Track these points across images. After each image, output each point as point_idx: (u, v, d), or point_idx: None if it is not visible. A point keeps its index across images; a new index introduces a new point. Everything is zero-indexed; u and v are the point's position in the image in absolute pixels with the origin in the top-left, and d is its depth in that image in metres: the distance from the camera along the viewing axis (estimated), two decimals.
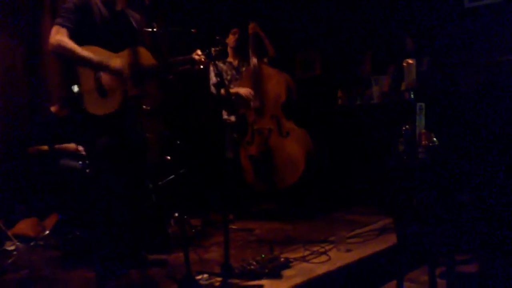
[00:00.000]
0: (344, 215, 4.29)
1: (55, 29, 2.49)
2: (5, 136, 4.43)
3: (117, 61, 2.54)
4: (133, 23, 2.74)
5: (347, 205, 4.63)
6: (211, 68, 4.26)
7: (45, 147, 3.98)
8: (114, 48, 2.59)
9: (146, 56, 2.66)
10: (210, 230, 3.98)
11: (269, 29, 4.60)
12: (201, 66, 2.83)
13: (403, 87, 4.10)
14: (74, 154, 4.00)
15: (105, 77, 2.56)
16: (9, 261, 3.37)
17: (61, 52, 2.46)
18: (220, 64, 4.34)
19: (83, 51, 2.47)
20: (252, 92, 4.26)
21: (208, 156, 4.62)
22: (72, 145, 4.07)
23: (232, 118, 4.31)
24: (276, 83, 4.38)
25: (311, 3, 5.33)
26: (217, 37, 3.03)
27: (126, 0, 2.73)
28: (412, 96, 3.08)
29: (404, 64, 3.04)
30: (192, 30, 2.89)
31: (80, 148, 4.05)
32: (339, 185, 4.82)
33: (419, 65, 3.66)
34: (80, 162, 3.90)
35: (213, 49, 2.86)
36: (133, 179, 2.74)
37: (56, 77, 4.82)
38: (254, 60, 4.36)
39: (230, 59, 4.50)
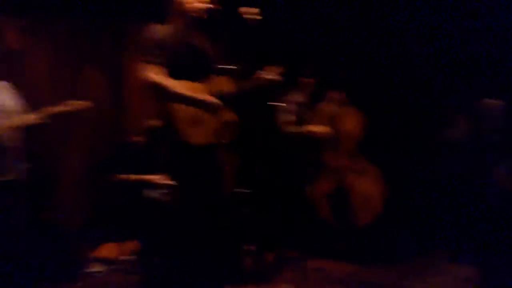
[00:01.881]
0: (427, 261, 4.05)
1: (148, 66, 2.53)
2: (91, 163, 4.76)
3: (210, 98, 2.61)
4: (208, 53, 2.79)
5: (426, 249, 4.39)
6: (285, 106, 4.34)
7: (129, 176, 4.20)
8: (197, 79, 2.66)
9: (224, 83, 2.73)
10: (282, 266, 3.96)
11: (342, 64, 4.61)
12: (267, 83, 2.75)
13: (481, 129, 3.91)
14: (155, 184, 4.20)
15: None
16: (93, 282, 3.57)
17: (157, 89, 2.52)
18: (294, 105, 4.38)
19: (179, 89, 2.53)
20: (328, 131, 4.25)
21: (283, 191, 4.64)
22: (153, 176, 4.26)
23: (307, 155, 4.32)
24: (352, 121, 4.36)
25: (386, 37, 5.27)
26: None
27: (200, 34, 2.79)
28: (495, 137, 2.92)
29: (483, 104, 2.89)
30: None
31: (161, 178, 4.23)
32: (420, 227, 4.59)
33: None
34: (160, 192, 4.08)
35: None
36: (212, 210, 2.79)
37: (139, 108, 5.15)
38: (329, 98, 4.38)
39: (304, 99, 4.53)
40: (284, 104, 4.31)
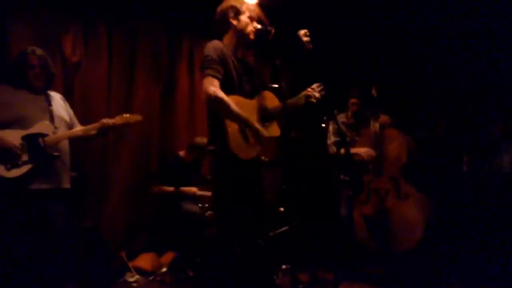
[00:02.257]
0: None
1: (208, 80, 2.55)
2: (134, 172, 4.86)
3: (257, 125, 2.63)
4: (252, 67, 2.88)
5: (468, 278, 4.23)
6: (330, 127, 4.32)
7: (170, 188, 4.26)
8: (247, 95, 2.71)
9: (272, 99, 2.78)
10: (316, 287, 3.90)
11: (388, 86, 4.56)
12: (313, 100, 2.74)
13: None
14: (194, 198, 4.25)
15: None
16: None
17: (216, 103, 2.53)
18: (340, 124, 4.35)
19: (235, 107, 2.56)
20: (373, 154, 4.20)
21: (321, 212, 4.59)
22: (193, 189, 4.32)
23: (347, 176, 4.26)
24: (397, 144, 4.27)
25: (434, 58, 5.17)
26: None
27: (246, 50, 2.89)
28: None
29: None
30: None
31: (200, 193, 4.28)
32: (464, 258, 4.43)
33: None
34: (200, 205, 4.12)
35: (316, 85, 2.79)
36: (251, 227, 2.78)
37: (184, 122, 5.25)
38: (374, 121, 4.32)
39: (350, 120, 4.50)
40: (330, 124, 4.30)
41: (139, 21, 4.97)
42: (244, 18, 2.76)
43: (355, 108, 4.43)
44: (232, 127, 2.59)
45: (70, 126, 3.12)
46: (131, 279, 3.98)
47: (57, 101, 3.11)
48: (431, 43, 5.16)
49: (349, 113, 4.49)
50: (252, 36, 2.74)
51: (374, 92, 4.20)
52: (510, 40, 4.64)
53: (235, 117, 2.56)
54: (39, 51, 3.00)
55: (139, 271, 4.15)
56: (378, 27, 5.16)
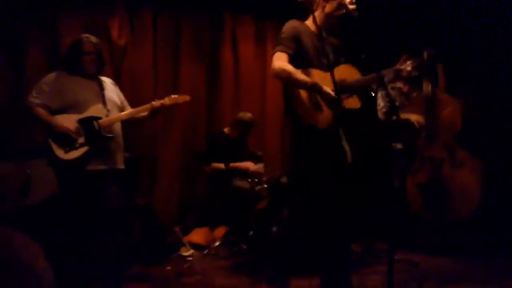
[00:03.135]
0: None
1: (277, 56, 2.69)
2: (183, 151, 4.97)
3: (327, 88, 2.66)
4: (338, 45, 2.93)
5: None
6: (380, 93, 4.20)
7: (221, 166, 4.31)
8: (324, 68, 2.74)
9: (353, 72, 2.81)
10: (370, 259, 3.88)
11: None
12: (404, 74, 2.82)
13: None
14: (245, 174, 4.28)
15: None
16: (185, 266, 3.73)
17: (283, 76, 2.65)
18: (389, 90, 4.23)
19: (301, 75, 2.65)
20: (423, 120, 4.06)
21: (374, 183, 4.51)
22: (248, 164, 4.34)
23: (399, 144, 4.15)
24: (451, 110, 4.10)
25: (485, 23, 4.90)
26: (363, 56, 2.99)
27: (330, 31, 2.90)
28: None
29: None
30: None
31: (253, 168, 4.31)
32: None
33: None
34: (249, 180, 4.16)
35: (410, 61, 2.81)
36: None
37: (230, 100, 5.28)
38: (428, 86, 4.15)
39: (399, 84, 4.36)
40: (379, 94, 4.19)
41: (181, 2, 5.00)
42: (334, 3, 2.77)
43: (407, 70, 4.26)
44: (302, 97, 2.66)
45: (121, 109, 3.21)
46: (186, 253, 4.10)
47: (108, 85, 3.21)
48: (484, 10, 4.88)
49: (402, 78, 4.32)
50: (340, 11, 2.74)
51: (425, 55, 4.03)
52: None
53: (302, 83, 2.64)
54: (93, 38, 3.10)
55: (193, 245, 4.27)
56: None
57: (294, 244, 3.12)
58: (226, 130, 4.61)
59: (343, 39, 2.94)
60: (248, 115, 4.54)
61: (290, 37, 2.73)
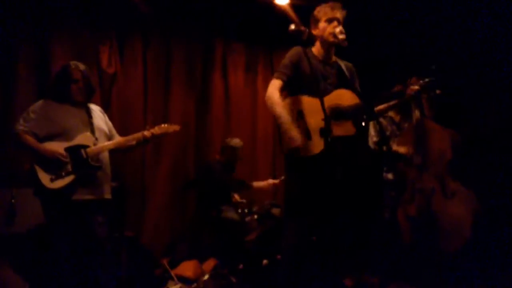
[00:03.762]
0: None
1: (271, 82, 2.83)
2: (172, 181, 4.90)
3: (292, 133, 2.68)
4: (345, 70, 2.96)
5: None
6: (372, 123, 4.19)
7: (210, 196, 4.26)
8: (322, 93, 2.75)
9: (349, 97, 2.83)
10: None
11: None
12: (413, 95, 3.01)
13: None
14: (235, 204, 4.23)
15: (309, 121, 2.75)
16: None
17: (268, 104, 2.77)
18: (380, 119, 4.23)
19: (280, 108, 2.72)
20: (415, 149, 4.05)
21: (364, 214, 4.48)
22: (235, 196, 4.31)
23: (390, 175, 4.14)
24: (441, 139, 4.10)
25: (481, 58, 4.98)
26: (433, 67, 3.05)
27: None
28: None
29: None
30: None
31: (240, 199, 4.27)
32: None
33: None
34: (239, 211, 4.11)
35: (421, 81, 2.86)
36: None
37: (220, 129, 5.26)
38: (417, 114, 4.16)
39: (391, 113, 4.36)
40: (371, 124, 4.19)
41: (172, 31, 5.03)
42: (321, 24, 2.90)
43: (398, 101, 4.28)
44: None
45: (109, 138, 3.17)
46: (174, 287, 3.98)
47: (97, 113, 3.17)
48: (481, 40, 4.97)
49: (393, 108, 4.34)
50: (331, 39, 2.86)
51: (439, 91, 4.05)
52: None
53: (277, 116, 2.71)
54: (81, 66, 3.06)
55: (182, 279, 4.15)
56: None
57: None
58: (217, 156, 4.61)
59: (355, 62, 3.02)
60: (235, 140, 4.56)
61: (288, 64, 2.84)
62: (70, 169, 2.87)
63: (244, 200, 4.37)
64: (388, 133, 4.24)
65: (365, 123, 2.90)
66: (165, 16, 4.87)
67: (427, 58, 5.05)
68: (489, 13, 4.60)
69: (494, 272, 4.09)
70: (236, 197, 4.34)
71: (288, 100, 2.84)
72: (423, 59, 5.00)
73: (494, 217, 4.27)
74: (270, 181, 4.54)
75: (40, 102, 3.02)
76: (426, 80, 3.01)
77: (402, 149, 4.09)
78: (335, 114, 2.77)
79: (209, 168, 4.49)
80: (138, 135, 3.10)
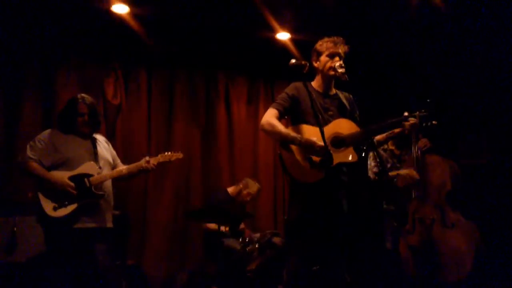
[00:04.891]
0: None
1: (268, 111, 2.88)
2: (175, 210, 4.91)
3: (304, 137, 2.76)
4: (345, 102, 3.03)
5: None
6: (371, 154, 4.23)
7: (214, 226, 4.26)
8: (322, 123, 2.81)
9: (348, 126, 2.88)
10: None
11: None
12: (410, 126, 2.99)
13: None
14: (236, 235, 4.23)
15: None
16: None
17: (267, 128, 2.82)
18: (381, 152, 4.26)
19: (282, 128, 2.79)
20: (415, 174, 4.07)
21: (366, 245, 4.46)
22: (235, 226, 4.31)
23: (391, 206, 4.15)
24: (441, 170, 4.13)
25: (475, 83, 5.05)
26: (428, 100, 3.10)
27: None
28: None
29: None
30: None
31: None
32: None
33: None
34: (240, 240, 4.10)
35: (418, 112, 2.97)
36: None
37: (225, 158, 5.30)
38: (416, 148, 4.21)
39: (391, 147, 4.40)
40: (371, 154, 4.23)
41: (175, 63, 5.14)
42: (323, 58, 2.95)
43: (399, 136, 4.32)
44: (291, 154, 2.76)
45: (113, 167, 3.21)
46: None
47: (102, 143, 3.22)
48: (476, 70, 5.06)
49: (390, 141, 4.38)
50: (331, 72, 2.91)
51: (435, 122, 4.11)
52: None
53: (284, 137, 2.77)
54: (88, 99, 3.11)
55: None
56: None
57: None
58: (230, 189, 4.59)
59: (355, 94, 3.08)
60: (255, 186, 4.57)
61: (286, 96, 2.90)
62: (74, 198, 2.90)
63: (245, 228, 4.37)
64: (389, 165, 4.26)
65: (364, 153, 2.95)
66: (168, 49, 4.98)
67: (422, 91, 5.15)
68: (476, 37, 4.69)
69: None
70: (242, 225, 4.33)
71: (289, 129, 2.88)
72: (417, 92, 5.09)
73: (495, 249, 4.26)
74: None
75: (47, 131, 3.08)
76: (423, 111, 3.06)
77: (403, 172, 4.10)
78: (336, 142, 2.82)
79: (215, 198, 4.48)
80: (141, 163, 3.14)
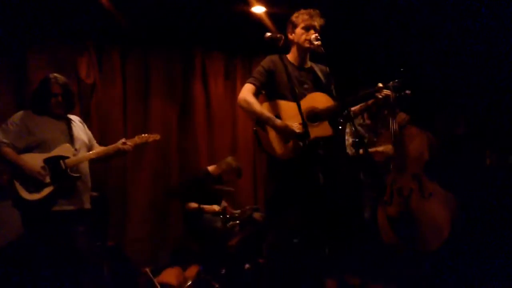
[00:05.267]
0: None
1: (245, 87, 2.89)
2: (153, 190, 4.89)
3: (278, 121, 2.78)
4: (320, 75, 3.03)
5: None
6: (348, 130, 4.26)
7: (195, 205, 4.26)
8: (298, 97, 2.82)
9: (323, 100, 2.89)
10: None
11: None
12: (384, 98, 2.96)
13: None
14: (217, 213, 4.24)
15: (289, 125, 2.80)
16: None
17: (243, 106, 2.84)
18: (358, 127, 4.28)
19: (257, 107, 2.81)
20: (391, 150, 4.12)
21: (345, 216, 4.53)
22: (215, 207, 4.32)
23: (369, 179, 4.20)
24: (418, 142, 4.19)
25: (453, 58, 5.09)
26: (401, 69, 3.12)
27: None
28: None
29: None
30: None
31: (219, 209, 4.28)
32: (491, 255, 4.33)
33: None
34: (221, 217, 4.12)
35: (391, 82, 2.95)
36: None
37: (202, 138, 5.27)
38: (393, 120, 4.24)
39: (367, 121, 4.43)
40: (347, 127, 4.25)
41: (150, 41, 5.04)
42: (298, 30, 2.93)
43: (373, 108, 4.35)
44: (266, 132, 2.79)
45: (89, 148, 3.17)
46: None
47: (77, 124, 3.17)
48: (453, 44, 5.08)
49: (366, 115, 4.40)
50: (307, 45, 2.90)
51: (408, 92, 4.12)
52: None
53: (259, 116, 2.79)
54: (61, 79, 3.03)
55: (165, 286, 4.15)
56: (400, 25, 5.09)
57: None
58: (210, 168, 4.56)
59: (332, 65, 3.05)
60: (236, 163, 4.55)
61: (262, 70, 2.90)
62: (49, 181, 2.85)
63: (226, 205, 4.38)
64: (366, 140, 4.30)
65: (341, 125, 2.97)
66: (143, 27, 4.86)
67: (396, 60, 5.17)
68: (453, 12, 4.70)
69: (472, 271, 4.19)
70: (216, 208, 4.33)
71: (265, 105, 2.89)
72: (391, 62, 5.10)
73: (472, 217, 4.37)
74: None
75: (19, 113, 3.00)
76: (396, 81, 3.06)
77: (380, 148, 4.15)
78: (311, 117, 2.83)
79: (196, 178, 4.47)
80: (117, 145, 3.10)
